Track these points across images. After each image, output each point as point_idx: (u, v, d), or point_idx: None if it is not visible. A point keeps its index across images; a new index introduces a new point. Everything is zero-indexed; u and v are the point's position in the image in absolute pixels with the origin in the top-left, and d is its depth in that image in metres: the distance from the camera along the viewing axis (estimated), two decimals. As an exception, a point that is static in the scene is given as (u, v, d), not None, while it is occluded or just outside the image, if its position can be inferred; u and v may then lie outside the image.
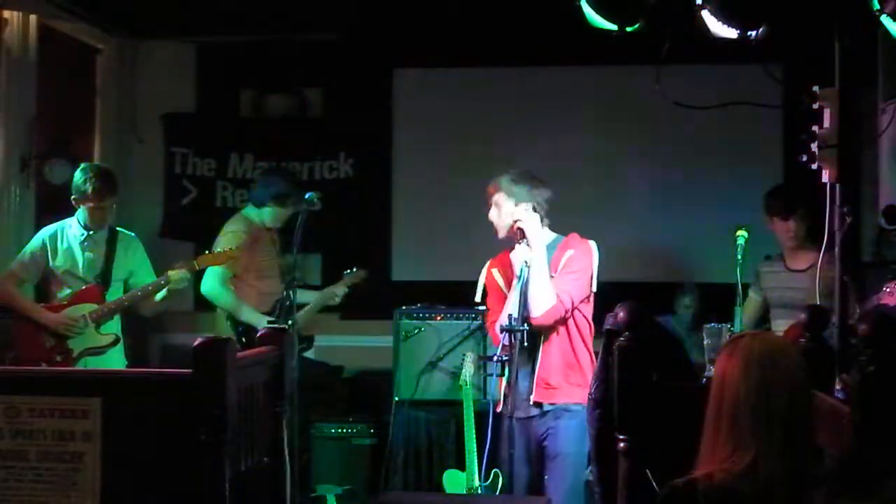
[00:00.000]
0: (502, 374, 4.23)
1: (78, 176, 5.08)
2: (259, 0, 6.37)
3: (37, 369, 4.62)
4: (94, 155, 6.77)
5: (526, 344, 4.18)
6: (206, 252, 5.36)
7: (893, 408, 2.43)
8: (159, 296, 5.17)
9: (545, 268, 4.26)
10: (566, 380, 4.30)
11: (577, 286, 4.30)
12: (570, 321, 4.32)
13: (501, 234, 4.42)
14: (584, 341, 4.36)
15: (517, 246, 4.33)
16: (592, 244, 4.40)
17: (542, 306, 4.21)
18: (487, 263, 4.55)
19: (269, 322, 5.30)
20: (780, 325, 4.98)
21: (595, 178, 6.74)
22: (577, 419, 4.29)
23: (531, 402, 4.29)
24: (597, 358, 3.48)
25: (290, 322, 4.99)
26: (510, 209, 4.35)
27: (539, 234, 4.31)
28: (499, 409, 4.37)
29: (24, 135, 5.98)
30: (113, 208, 5.16)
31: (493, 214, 4.43)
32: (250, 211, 5.75)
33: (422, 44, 6.83)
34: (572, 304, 4.28)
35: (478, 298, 4.58)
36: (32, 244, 5.18)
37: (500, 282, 4.44)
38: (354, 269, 6.02)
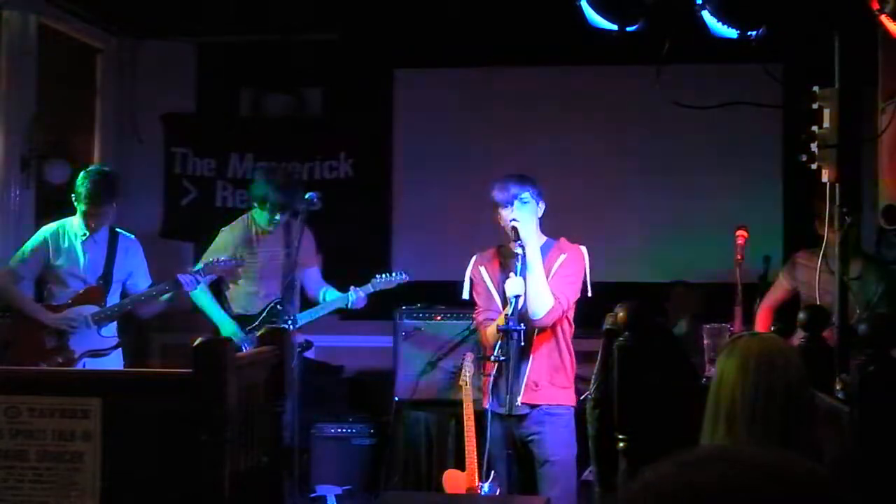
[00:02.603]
0: (499, 375, 4.23)
1: (80, 178, 5.06)
2: (259, 0, 6.38)
3: (37, 369, 4.62)
4: (93, 155, 6.77)
5: (523, 344, 4.19)
6: (213, 260, 5.29)
7: (893, 408, 2.43)
8: (164, 296, 5.18)
9: (542, 269, 4.25)
10: (551, 382, 4.31)
11: (573, 290, 4.32)
12: (559, 323, 4.34)
13: (531, 227, 4.34)
14: (567, 344, 4.38)
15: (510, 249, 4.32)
16: (583, 249, 4.40)
17: (542, 307, 4.21)
18: (474, 258, 4.51)
19: (248, 328, 5.31)
20: None
21: (595, 178, 6.74)
22: (562, 423, 4.30)
23: (519, 403, 4.28)
24: (591, 358, 3.48)
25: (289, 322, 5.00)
26: (532, 206, 4.34)
27: (534, 235, 4.30)
28: (486, 405, 4.37)
29: (24, 135, 5.99)
30: (110, 214, 5.13)
31: (518, 210, 4.30)
32: (254, 211, 5.68)
33: (422, 44, 6.83)
34: (568, 305, 4.29)
35: (465, 296, 4.54)
36: (33, 241, 5.17)
37: (487, 280, 4.42)
38: (394, 274, 5.60)
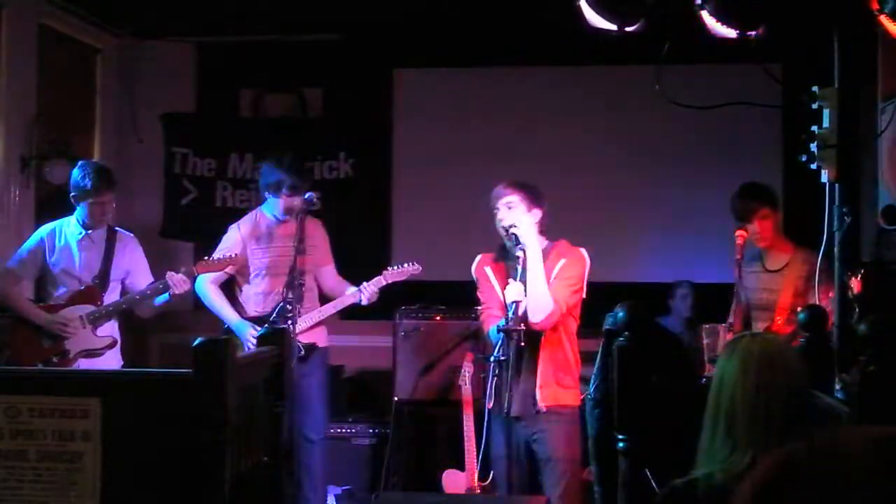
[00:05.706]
0: (499, 375, 4.24)
1: (76, 173, 5.07)
2: (259, 0, 6.38)
3: (37, 369, 4.61)
4: (94, 155, 6.77)
5: (523, 344, 4.19)
6: (206, 258, 5.28)
7: (893, 408, 2.43)
8: (160, 299, 5.13)
9: (542, 272, 4.26)
10: (558, 383, 4.34)
11: (573, 294, 4.32)
12: (563, 324, 4.35)
13: (530, 229, 4.36)
14: (571, 344, 4.40)
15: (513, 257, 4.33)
16: (584, 252, 4.41)
17: (542, 311, 4.22)
18: (478, 258, 4.53)
19: (265, 325, 5.22)
20: (758, 328, 4.93)
21: (594, 178, 6.74)
22: (566, 421, 4.31)
23: (535, 409, 4.30)
24: (591, 358, 3.49)
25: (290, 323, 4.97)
26: (521, 211, 4.35)
27: (534, 238, 4.31)
28: (489, 406, 4.37)
29: (24, 135, 5.99)
30: (113, 205, 5.14)
31: (504, 214, 4.38)
32: (264, 206, 5.56)
33: (422, 44, 6.83)
34: (567, 309, 4.31)
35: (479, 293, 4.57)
36: (30, 242, 5.17)
37: (493, 279, 4.44)
38: (405, 265, 5.49)
